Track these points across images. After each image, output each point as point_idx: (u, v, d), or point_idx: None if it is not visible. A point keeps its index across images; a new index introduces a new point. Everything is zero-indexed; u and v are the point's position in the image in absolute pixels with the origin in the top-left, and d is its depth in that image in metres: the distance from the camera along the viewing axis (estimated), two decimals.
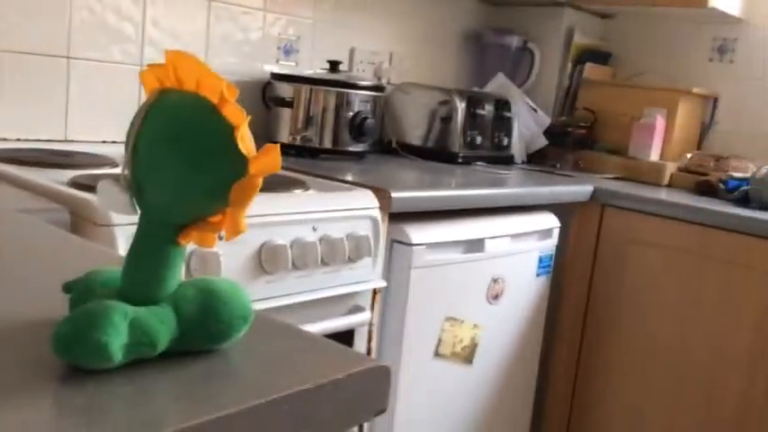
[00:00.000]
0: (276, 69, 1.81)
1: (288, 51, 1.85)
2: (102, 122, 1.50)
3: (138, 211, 0.46)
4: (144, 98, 0.47)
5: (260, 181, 0.45)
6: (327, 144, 1.76)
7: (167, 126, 0.44)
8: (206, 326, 0.47)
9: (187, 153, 0.43)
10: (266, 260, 1.12)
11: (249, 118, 0.43)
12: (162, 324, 0.45)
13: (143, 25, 1.53)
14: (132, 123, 0.46)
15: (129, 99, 1.54)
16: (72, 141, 1.46)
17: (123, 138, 1.38)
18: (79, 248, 0.71)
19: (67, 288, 0.50)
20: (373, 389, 0.51)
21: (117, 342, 0.42)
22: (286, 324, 0.55)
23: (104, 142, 1.51)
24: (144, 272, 0.46)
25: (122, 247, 0.91)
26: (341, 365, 0.49)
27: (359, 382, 0.49)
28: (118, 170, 1.24)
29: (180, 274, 0.48)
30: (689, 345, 1.79)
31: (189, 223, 0.46)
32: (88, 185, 1.02)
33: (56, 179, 1.06)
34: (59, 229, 0.77)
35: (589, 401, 1.96)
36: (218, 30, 1.68)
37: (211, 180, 0.44)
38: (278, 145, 0.44)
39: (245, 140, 0.44)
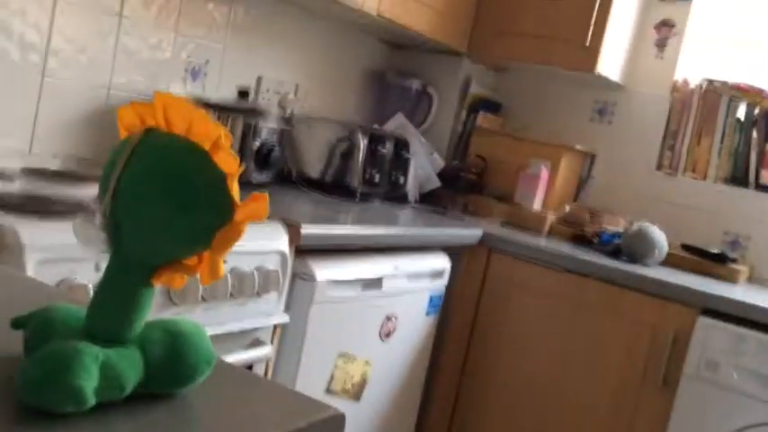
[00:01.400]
0: (183, 92, 1.78)
1: (196, 74, 1.82)
2: None
3: (111, 251, 0.45)
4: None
5: (245, 227, 0.45)
6: None
7: (158, 168, 0.43)
8: (172, 369, 0.47)
9: (178, 197, 0.43)
10: (175, 292, 1.09)
11: (243, 167, 0.44)
12: (131, 367, 0.44)
13: (49, 33, 1.46)
14: (114, 160, 0.45)
15: (26, 109, 1.46)
16: None
17: (16, 149, 1.32)
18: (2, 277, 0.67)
19: (18, 324, 0.48)
20: None
21: (91, 386, 0.41)
22: (242, 369, 0.55)
23: None
24: (114, 312, 0.45)
25: (31, 272, 0.86)
26: (301, 413, 0.50)
27: (319, 430, 0.50)
28: (15, 186, 1.17)
29: (147, 315, 0.47)
30: (561, 386, 1.90)
31: (163, 264, 0.46)
32: None
33: None
34: None
35: None
36: (126, 46, 1.63)
37: (198, 225, 0.44)
38: (266, 194, 0.45)
39: (235, 188, 0.44)
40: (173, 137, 0.44)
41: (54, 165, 1.45)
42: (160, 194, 0.43)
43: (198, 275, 0.47)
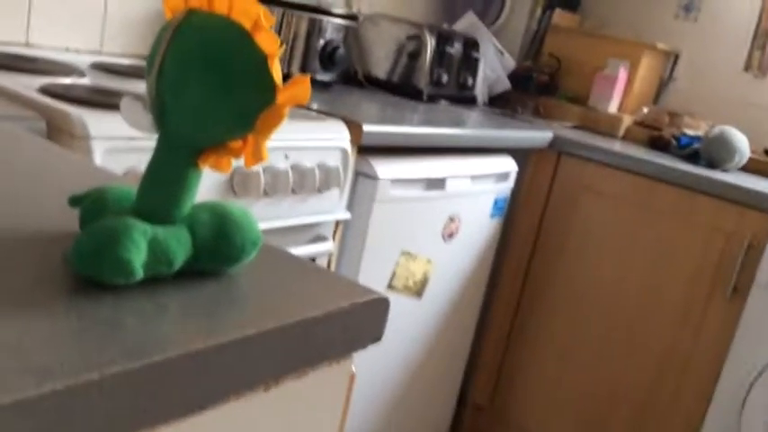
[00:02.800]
0: None
1: None
2: (65, 29, 1.44)
3: (159, 132, 0.46)
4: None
5: (287, 111, 0.45)
6: (295, 71, 1.73)
7: (199, 48, 0.43)
8: (219, 249, 0.48)
9: (218, 77, 0.43)
10: (238, 183, 1.12)
11: (284, 48, 0.43)
12: (179, 244, 0.46)
13: None
14: (157, 41, 0.45)
15: (95, 6, 1.47)
16: (33, 46, 1.40)
17: (86, 46, 1.35)
18: (68, 161, 0.70)
19: (74, 202, 0.50)
20: (373, 319, 0.53)
21: (138, 259, 0.43)
22: (291, 254, 0.56)
23: (67, 50, 1.45)
24: (162, 192, 0.46)
25: (99, 161, 0.89)
26: (345, 295, 0.51)
27: (361, 311, 0.51)
28: (85, 81, 1.20)
29: (195, 196, 0.48)
30: (624, 292, 1.88)
31: (208, 147, 0.47)
32: (62, 95, 0.99)
33: (23, 85, 1.02)
34: (42, 140, 0.75)
35: (524, 338, 2.05)
36: None
37: (239, 106, 0.44)
38: (308, 76, 0.45)
39: (277, 70, 0.44)
40: (213, 17, 0.44)
41: (123, 61, 1.48)
42: (201, 75, 0.43)
43: (242, 158, 0.47)
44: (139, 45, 1.57)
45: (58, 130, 0.90)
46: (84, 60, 1.36)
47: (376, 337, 0.53)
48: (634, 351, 1.88)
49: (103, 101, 1.00)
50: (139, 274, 0.43)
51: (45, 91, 1.00)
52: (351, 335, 0.51)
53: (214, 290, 0.47)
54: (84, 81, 1.19)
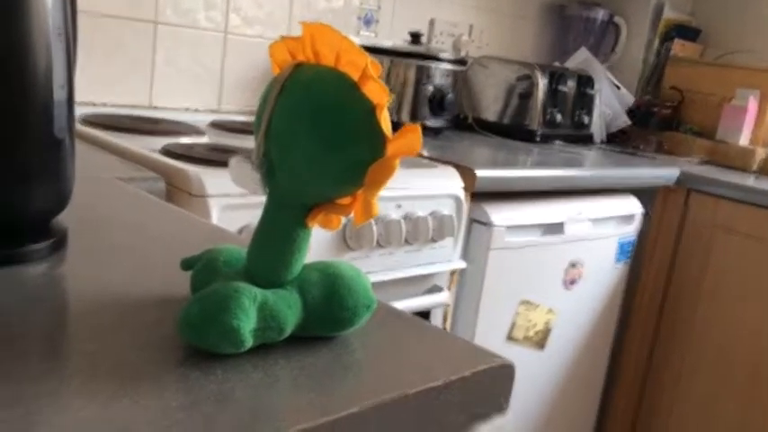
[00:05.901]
0: (356, 40, 1.78)
1: (368, 22, 1.82)
2: (186, 90, 1.50)
3: (267, 191, 0.44)
4: (267, 71, 0.45)
5: (397, 163, 0.42)
6: (405, 118, 1.72)
7: (305, 103, 0.41)
8: (330, 312, 0.45)
9: (325, 132, 0.41)
10: (351, 237, 1.10)
11: (393, 96, 0.41)
12: (289, 309, 0.43)
13: None
14: (265, 99, 0.43)
15: (213, 67, 1.54)
16: (156, 108, 1.47)
17: (205, 106, 1.38)
18: (184, 221, 0.70)
19: (186, 265, 0.49)
20: (497, 387, 0.48)
21: (247, 326, 0.41)
22: (406, 314, 0.53)
23: (187, 110, 1.51)
24: (271, 254, 0.44)
25: (216, 219, 0.90)
26: (466, 361, 0.47)
27: (484, 379, 0.47)
28: (204, 139, 1.24)
29: (305, 256, 0.46)
30: None
31: (317, 205, 0.44)
32: (181, 154, 1.01)
33: (147, 146, 1.06)
34: (161, 200, 0.76)
35: (658, 392, 1.90)
36: None
37: (348, 161, 0.41)
38: (418, 126, 0.41)
39: (386, 120, 0.41)
40: (320, 70, 0.42)
41: (240, 118, 1.52)
42: (307, 131, 0.41)
43: (352, 215, 0.44)
44: (255, 102, 1.62)
45: (177, 190, 0.91)
46: (203, 119, 1.41)
47: (501, 407, 0.48)
48: None
49: (220, 159, 1.02)
50: (249, 342, 0.41)
51: (166, 151, 1.04)
52: (473, 406, 0.46)
53: (326, 357, 0.44)
54: (203, 140, 1.23)
